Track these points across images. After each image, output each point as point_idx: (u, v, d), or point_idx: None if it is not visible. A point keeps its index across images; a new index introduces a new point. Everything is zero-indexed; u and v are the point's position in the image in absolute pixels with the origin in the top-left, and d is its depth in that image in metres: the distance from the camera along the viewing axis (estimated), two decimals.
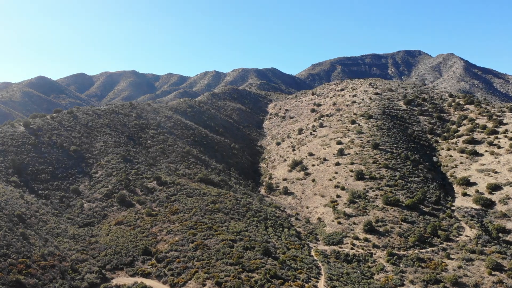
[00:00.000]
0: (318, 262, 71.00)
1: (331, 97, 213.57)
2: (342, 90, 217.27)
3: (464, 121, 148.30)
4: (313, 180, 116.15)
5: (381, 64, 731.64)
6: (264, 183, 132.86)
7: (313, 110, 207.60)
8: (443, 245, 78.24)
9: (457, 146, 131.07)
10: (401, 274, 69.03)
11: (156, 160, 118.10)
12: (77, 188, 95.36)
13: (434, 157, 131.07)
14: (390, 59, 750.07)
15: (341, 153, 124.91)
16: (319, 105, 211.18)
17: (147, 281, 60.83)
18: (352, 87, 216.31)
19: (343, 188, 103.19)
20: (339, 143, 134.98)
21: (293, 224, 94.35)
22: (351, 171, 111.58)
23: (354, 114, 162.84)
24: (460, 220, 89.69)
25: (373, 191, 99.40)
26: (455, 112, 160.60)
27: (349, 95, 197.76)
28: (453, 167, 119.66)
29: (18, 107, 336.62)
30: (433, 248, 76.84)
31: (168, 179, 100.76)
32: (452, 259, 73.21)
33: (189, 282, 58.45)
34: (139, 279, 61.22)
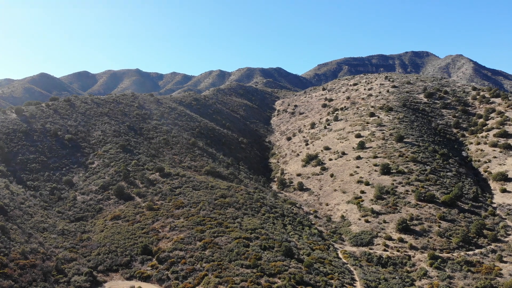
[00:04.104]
0: (348, 265, 60.24)
1: (343, 92, 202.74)
2: (355, 84, 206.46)
3: (492, 114, 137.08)
4: (332, 175, 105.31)
5: (388, 65, 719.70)
6: (275, 179, 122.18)
7: (324, 105, 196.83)
8: (492, 247, 67.30)
9: (488, 140, 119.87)
10: (448, 280, 58.10)
11: (159, 151, 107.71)
12: (70, 179, 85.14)
13: (463, 152, 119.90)
14: (397, 60, 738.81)
15: (361, 146, 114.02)
16: (330, 100, 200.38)
17: (146, 286, 50.43)
18: (366, 81, 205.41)
19: (367, 183, 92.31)
20: (358, 136, 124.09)
21: (313, 222, 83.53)
22: (375, 165, 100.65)
23: (372, 107, 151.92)
24: (505, 219, 78.69)
25: (402, 186, 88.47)
26: (481, 106, 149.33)
27: (364, 89, 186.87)
28: (486, 162, 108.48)
29: (19, 103, 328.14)
30: (481, 250, 65.94)
31: (172, 171, 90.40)
32: (505, 262, 62.42)
33: (197, 287, 47.88)
34: (136, 283, 50.88)
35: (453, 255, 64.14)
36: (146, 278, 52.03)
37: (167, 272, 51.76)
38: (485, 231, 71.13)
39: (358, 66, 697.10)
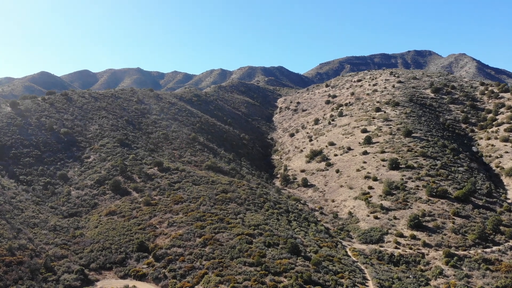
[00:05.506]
0: (359, 263, 56.36)
1: (347, 88, 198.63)
2: (359, 80, 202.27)
3: (502, 109, 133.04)
4: (337, 171, 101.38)
5: (391, 64, 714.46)
6: (279, 175, 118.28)
7: (328, 102, 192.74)
8: (510, 243, 63.42)
9: (498, 135, 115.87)
10: (466, 279, 54.20)
11: (158, 146, 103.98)
12: (65, 174, 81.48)
13: (473, 147, 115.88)
14: (400, 59, 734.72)
15: (368, 141, 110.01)
16: (334, 96, 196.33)
17: (141, 285, 46.67)
18: (370, 77, 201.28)
19: (375, 179, 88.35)
20: (364, 131, 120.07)
21: (318, 219, 79.64)
22: (383, 160, 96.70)
23: (378, 102, 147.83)
24: None
25: (412, 181, 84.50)
26: (490, 101, 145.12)
27: (369, 85, 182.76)
28: (497, 157, 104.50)
29: None
30: (498, 247, 62.00)
31: (171, 166, 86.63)
32: None
33: (196, 287, 44.10)
34: (131, 282, 47.14)
35: (469, 253, 60.22)
36: (141, 277, 48.32)
37: (164, 270, 48.02)
38: (501, 228, 67.13)
39: (360, 65, 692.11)
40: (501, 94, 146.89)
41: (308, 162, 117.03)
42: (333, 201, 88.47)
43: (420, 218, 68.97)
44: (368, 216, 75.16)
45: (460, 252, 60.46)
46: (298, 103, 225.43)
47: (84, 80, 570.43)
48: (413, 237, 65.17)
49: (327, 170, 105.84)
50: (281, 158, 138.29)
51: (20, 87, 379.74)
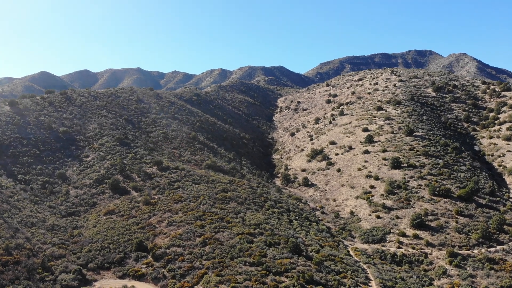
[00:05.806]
0: (361, 263, 55.54)
1: (348, 87, 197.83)
2: (360, 80, 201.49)
3: (504, 108, 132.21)
4: (339, 170, 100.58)
5: (391, 64, 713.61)
6: (279, 175, 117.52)
7: (328, 101, 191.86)
8: None
9: (500, 133, 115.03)
10: (470, 279, 53.38)
11: (158, 145, 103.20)
12: (63, 173, 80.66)
13: (475, 146, 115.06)
14: (400, 59, 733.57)
15: (369, 140, 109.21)
16: (335, 95, 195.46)
17: (140, 285, 45.89)
18: (371, 76, 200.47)
19: (377, 178, 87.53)
20: (365, 130, 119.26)
21: (320, 218, 78.83)
22: (384, 159, 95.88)
23: (379, 101, 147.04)
24: None
25: (414, 180, 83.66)
26: (492, 99, 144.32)
27: (370, 84, 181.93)
28: (500, 156, 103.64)
29: None
30: (503, 247, 61.21)
31: (171, 165, 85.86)
32: None
33: (196, 287, 43.33)
34: (130, 282, 46.36)
35: (473, 252, 59.42)
36: (140, 277, 47.55)
37: (163, 270, 47.24)
38: (505, 227, 66.36)
39: (360, 64, 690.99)
40: (502, 93, 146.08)
41: (309, 161, 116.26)
42: (334, 200, 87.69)
43: (422, 217, 68.15)
44: (370, 215, 74.36)
45: (464, 252, 59.67)
46: (299, 102, 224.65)
47: (84, 80, 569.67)
48: (416, 236, 64.35)
49: (328, 169, 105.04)
50: (281, 158, 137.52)
51: (20, 87, 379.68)
